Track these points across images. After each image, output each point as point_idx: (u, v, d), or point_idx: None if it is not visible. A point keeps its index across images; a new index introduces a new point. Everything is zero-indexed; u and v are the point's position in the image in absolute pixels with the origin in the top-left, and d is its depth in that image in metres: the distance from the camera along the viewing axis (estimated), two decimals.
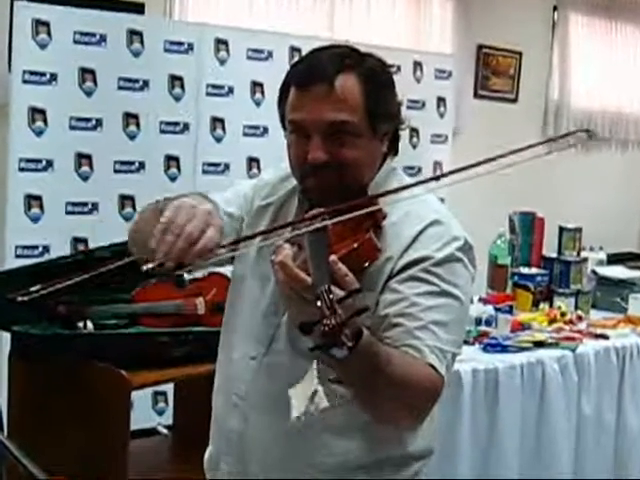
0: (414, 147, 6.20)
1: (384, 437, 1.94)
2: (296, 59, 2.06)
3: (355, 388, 1.69)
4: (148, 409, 5.03)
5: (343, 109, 1.89)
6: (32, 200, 4.66)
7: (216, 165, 5.30)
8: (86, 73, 4.79)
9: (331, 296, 1.50)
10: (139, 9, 5.62)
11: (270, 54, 5.41)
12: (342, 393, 1.78)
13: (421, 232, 1.92)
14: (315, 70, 1.92)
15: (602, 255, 5.30)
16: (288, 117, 1.97)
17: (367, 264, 1.80)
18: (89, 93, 4.81)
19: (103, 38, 4.82)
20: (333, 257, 1.60)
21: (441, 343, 1.83)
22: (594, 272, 4.94)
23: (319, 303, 1.50)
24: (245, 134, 5.39)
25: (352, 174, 1.91)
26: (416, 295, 1.85)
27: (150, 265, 1.74)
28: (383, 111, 1.96)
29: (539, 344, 3.99)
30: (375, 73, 1.96)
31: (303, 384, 1.56)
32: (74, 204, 4.81)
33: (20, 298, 3.30)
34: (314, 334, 1.51)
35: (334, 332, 1.48)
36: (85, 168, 4.82)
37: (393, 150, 2.07)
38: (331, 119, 1.89)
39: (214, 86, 5.26)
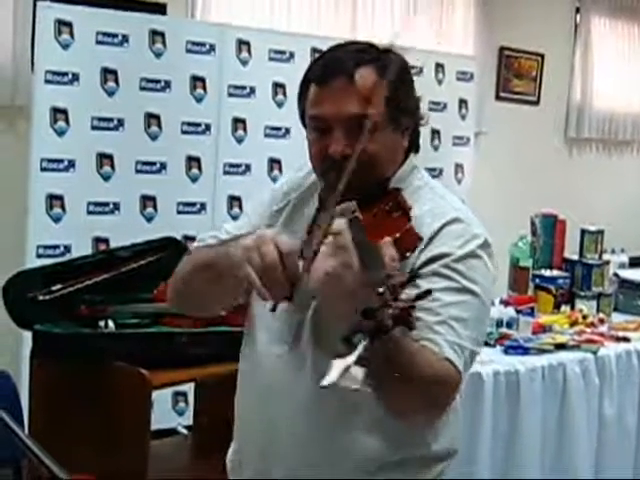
0: (435, 149, 6.19)
1: (407, 437, 1.94)
2: None
3: (375, 379, 1.69)
4: (168, 409, 5.04)
5: (363, 102, 1.88)
6: (54, 200, 4.67)
7: (237, 166, 5.30)
8: (108, 73, 4.80)
9: (392, 281, 1.51)
10: (161, 10, 5.63)
11: (292, 55, 5.42)
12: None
13: (441, 229, 1.91)
14: (334, 65, 1.92)
15: (624, 258, 5.29)
16: (309, 113, 1.97)
17: (409, 253, 1.80)
18: (111, 93, 4.82)
19: (125, 38, 4.84)
20: (384, 243, 1.61)
21: (460, 339, 1.82)
22: (616, 275, 4.92)
23: (381, 289, 1.49)
24: (266, 135, 5.40)
25: (374, 168, 1.90)
26: (436, 290, 1.84)
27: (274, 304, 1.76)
28: (403, 104, 1.95)
29: (560, 347, 3.98)
30: (394, 67, 1.96)
31: (347, 357, 1.55)
32: (96, 204, 4.82)
33: (42, 297, 3.33)
34: (377, 318, 1.49)
35: (402, 315, 1.49)
36: (107, 168, 4.83)
37: (414, 146, 2.06)
38: (352, 112, 1.88)
39: (236, 87, 5.27)
